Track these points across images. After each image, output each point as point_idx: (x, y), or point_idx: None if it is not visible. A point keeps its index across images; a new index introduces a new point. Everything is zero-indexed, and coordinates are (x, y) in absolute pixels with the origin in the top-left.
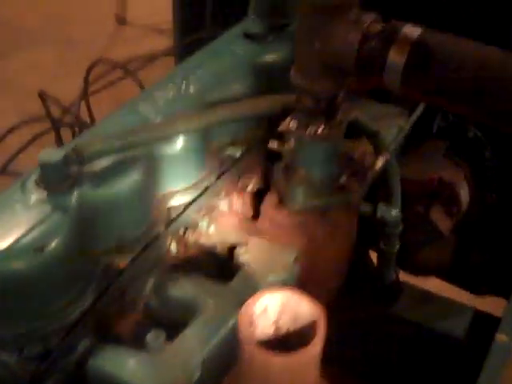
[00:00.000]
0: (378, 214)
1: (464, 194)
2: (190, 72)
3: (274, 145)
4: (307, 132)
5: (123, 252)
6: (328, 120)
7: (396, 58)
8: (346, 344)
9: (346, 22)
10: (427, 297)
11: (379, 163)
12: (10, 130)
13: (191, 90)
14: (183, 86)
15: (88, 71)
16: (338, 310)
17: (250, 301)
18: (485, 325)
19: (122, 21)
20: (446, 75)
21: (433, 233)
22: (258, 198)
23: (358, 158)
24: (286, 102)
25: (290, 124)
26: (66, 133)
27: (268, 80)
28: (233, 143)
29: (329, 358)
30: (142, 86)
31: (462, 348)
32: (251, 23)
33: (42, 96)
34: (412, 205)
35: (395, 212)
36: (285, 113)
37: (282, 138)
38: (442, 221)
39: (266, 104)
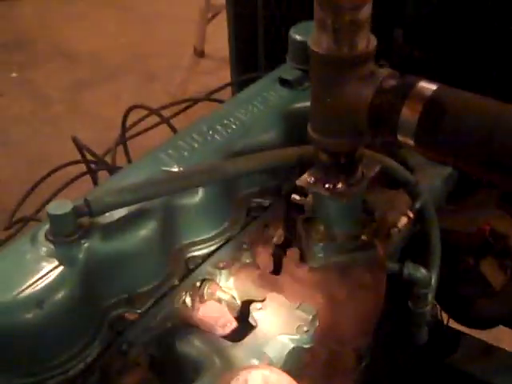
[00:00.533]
0: (405, 273)
1: None
2: (218, 121)
3: (296, 197)
4: (324, 188)
5: (133, 305)
6: (347, 176)
7: (409, 115)
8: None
9: (359, 76)
10: (489, 349)
11: (404, 220)
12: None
13: (217, 139)
14: (209, 137)
15: (125, 115)
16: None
17: (228, 376)
18: None
19: (200, 54)
20: (460, 136)
21: (485, 287)
22: (281, 251)
23: (380, 215)
24: (301, 154)
25: (308, 179)
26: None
27: (300, 128)
28: (261, 193)
29: None
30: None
31: None
32: (288, 69)
33: (76, 141)
34: (462, 257)
35: (424, 271)
36: (301, 165)
37: (304, 190)
38: (494, 274)
39: (281, 156)
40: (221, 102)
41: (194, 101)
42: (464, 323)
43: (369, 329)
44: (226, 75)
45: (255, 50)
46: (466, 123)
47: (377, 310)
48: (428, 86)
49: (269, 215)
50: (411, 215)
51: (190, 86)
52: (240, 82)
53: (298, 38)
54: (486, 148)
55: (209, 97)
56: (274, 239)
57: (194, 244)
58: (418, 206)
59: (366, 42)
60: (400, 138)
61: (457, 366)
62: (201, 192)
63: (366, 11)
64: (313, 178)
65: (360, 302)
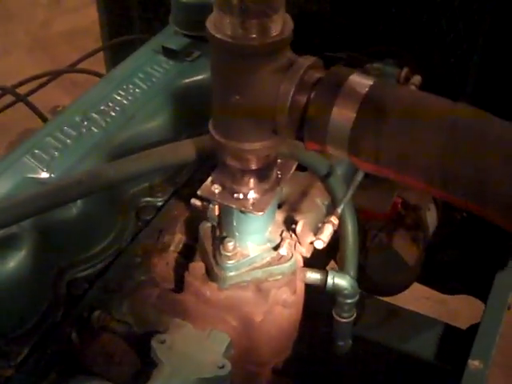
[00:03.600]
0: (329, 283)
1: (431, 216)
2: (93, 106)
3: (196, 203)
4: (233, 199)
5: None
6: (260, 182)
7: (341, 117)
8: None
9: (274, 68)
10: (393, 312)
11: (329, 230)
12: None
13: (94, 132)
14: (83, 129)
15: None
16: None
17: None
18: (456, 342)
19: None
20: (406, 145)
21: (397, 263)
22: (182, 261)
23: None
24: (200, 148)
25: (212, 187)
26: None
27: (191, 106)
28: (151, 190)
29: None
30: (39, 113)
31: (431, 370)
32: (171, 35)
33: None
34: (374, 233)
35: (350, 279)
36: (203, 159)
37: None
38: (406, 249)
39: (174, 153)
40: (91, 73)
41: (56, 74)
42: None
43: (287, 346)
44: (93, 13)
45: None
46: (414, 129)
47: (295, 325)
48: (363, 81)
49: (163, 218)
50: (336, 222)
51: (54, 25)
52: (112, 46)
53: None
54: (440, 161)
55: (73, 68)
56: (172, 247)
57: (76, 264)
58: (339, 210)
59: (281, 25)
60: (330, 145)
61: (361, 334)
62: (79, 202)
63: None
64: (218, 187)
65: (277, 319)
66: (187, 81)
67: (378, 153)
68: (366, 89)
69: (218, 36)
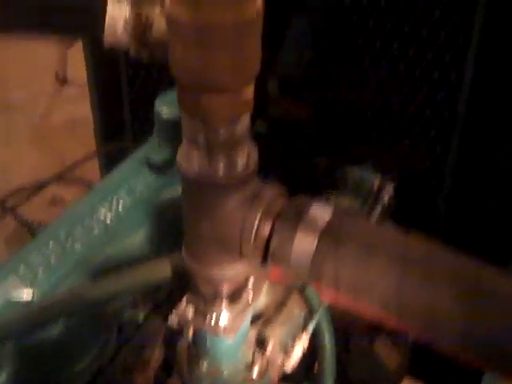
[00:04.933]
0: None
1: None
2: (78, 221)
3: (173, 322)
4: (205, 322)
5: None
6: (232, 305)
7: (302, 246)
8: None
9: (240, 200)
10: None
11: (299, 350)
12: None
13: (77, 249)
14: (67, 245)
15: None
16: None
17: None
18: None
19: (63, 80)
20: (363, 271)
21: (379, 367)
22: (162, 379)
23: (274, 345)
24: (176, 265)
25: (186, 310)
26: None
27: (174, 218)
28: (134, 303)
29: None
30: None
31: None
32: (155, 147)
33: None
34: (355, 339)
35: None
36: (181, 275)
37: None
38: (388, 353)
39: (152, 271)
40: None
41: (41, 185)
42: None
43: None
44: None
45: (121, 117)
46: (369, 260)
47: None
48: (322, 211)
49: (144, 333)
50: (306, 341)
51: (55, 116)
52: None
53: (163, 112)
54: (394, 292)
55: (62, 175)
56: (152, 363)
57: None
58: (312, 326)
59: (247, 158)
60: (293, 273)
61: None
62: (61, 320)
63: (245, 123)
64: (191, 309)
65: None
66: (169, 193)
67: (338, 281)
68: (326, 219)
69: (186, 168)
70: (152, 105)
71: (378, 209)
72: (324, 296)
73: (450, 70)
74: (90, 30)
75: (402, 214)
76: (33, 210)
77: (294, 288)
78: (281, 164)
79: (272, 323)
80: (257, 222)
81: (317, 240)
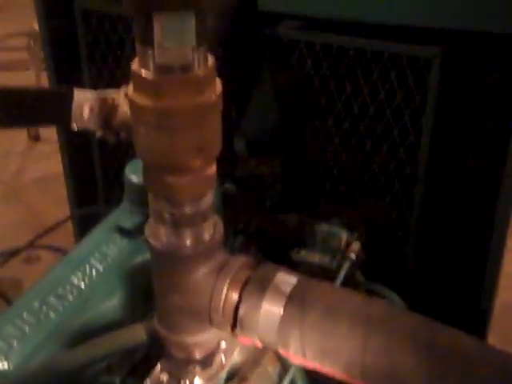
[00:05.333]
0: None
1: None
2: (52, 290)
3: None
4: None
5: None
6: (204, 369)
7: (269, 314)
8: None
9: (207, 270)
10: None
11: None
12: None
13: (51, 318)
14: (42, 315)
15: None
16: None
17: None
18: None
19: (35, 138)
20: (328, 336)
21: None
22: None
23: None
24: (151, 330)
25: (161, 376)
26: None
27: (146, 282)
28: (108, 367)
29: None
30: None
31: None
32: (126, 213)
33: None
34: None
35: None
36: (156, 340)
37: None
38: None
39: (127, 337)
40: (52, 248)
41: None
42: None
43: None
44: None
45: (93, 180)
46: (333, 325)
47: None
48: (287, 279)
49: None
50: None
51: (27, 174)
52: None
53: (133, 178)
54: (357, 356)
55: (34, 242)
56: None
57: None
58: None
59: (213, 229)
60: (261, 340)
61: None
62: None
63: (210, 198)
64: (166, 375)
65: None
66: (141, 258)
67: (304, 347)
68: (291, 287)
69: (154, 242)
70: (122, 169)
71: (347, 264)
72: (293, 360)
73: (408, 129)
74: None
75: (370, 266)
76: (7, 270)
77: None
78: (249, 222)
79: (246, 381)
80: (225, 291)
81: (282, 308)
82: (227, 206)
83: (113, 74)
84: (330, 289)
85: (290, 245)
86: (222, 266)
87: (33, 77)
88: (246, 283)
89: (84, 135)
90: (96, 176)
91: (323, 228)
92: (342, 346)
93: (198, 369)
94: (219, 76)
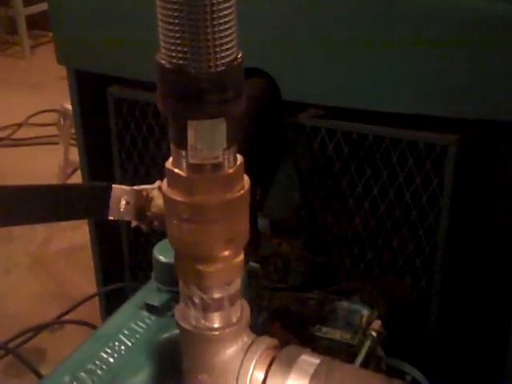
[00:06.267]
0: None
1: None
2: (81, 366)
3: None
4: None
5: None
6: None
7: None
8: None
9: (234, 350)
10: None
11: None
12: None
13: None
14: None
15: None
16: None
17: None
18: None
19: None
20: None
21: None
22: None
23: None
24: None
25: None
26: None
27: (173, 359)
28: None
29: None
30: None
31: None
32: (153, 291)
33: None
34: None
35: None
36: None
37: None
38: None
39: None
40: (81, 323)
41: (39, 328)
42: None
43: None
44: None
45: (120, 257)
46: None
47: None
48: (310, 360)
49: None
50: None
51: (53, 244)
52: (105, 293)
53: (161, 258)
54: None
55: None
56: None
57: None
58: None
59: (240, 312)
60: None
61: None
62: None
63: (237, 283)
64: None
65: None
66: (168, 335)
67: None
68: (315, 366)
69: (184, 325)
70: (149, 244)
71: (368, 341)
72: None
73: (426, 210)
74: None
75: (392, 343)
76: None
77: None
78: (273, 300)
79: None
80: (251, 371)
81: None
82: (251, 284)
83: (142, 157)
84: (352, 369)
85: (312, 322)
86: (248, 346)
87: (61, 151)
88: (271, 363)
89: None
90: (123, 251)
91: (344, 305)
92: None
93: None
94: (245, 158)
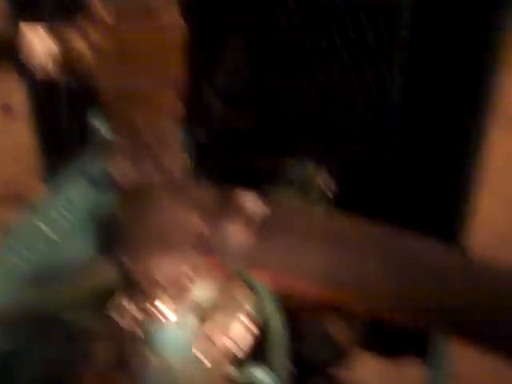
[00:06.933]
0: (252, 379)
1: None
2: (20, 241)
3: (118, 319)
4: (149, 317)
5: None
6: (173, 298)
7: (238, 238)
8: None
9: (174, 200)
10: None
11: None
12: None
13: (22, 267)
14: (13, 264)
15: None
16: None
17: None
18: None
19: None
20: (297, 257)
21: (332, 346)
22: None
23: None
24: (120, 267)
25: (130, 308)
26: None
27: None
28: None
29: None
30: None
31: None
32: (91, 160)
33: None
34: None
35: (272, 374)
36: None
37: None
38: (340, 332)
39: (99, 276)
40: None
41: None
42: None
43: None
44: None
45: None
46: (300, 246)
47: None
48: (256, 205)
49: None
50: (251, 325)
51: None
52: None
53: (97, 125)
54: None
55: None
56: (101, 361)
57: None
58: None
59: (179, 162)
60: (233, 263)
61: None
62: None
63: (170, 127)
64: (135, 306)
65: None
66: (106, 201)
67: (274, 266)
68: (260, 211)
69: (119, 177)
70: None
71: (320, 200)
72: (263, 281)
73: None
74: None
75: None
76: None
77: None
78: (222, 170)
79: (216, 311)
80: (194, 219)
81: (252, 230)
82: (200, 156)
83: None
84: (298, 210)
85: (263, 185)
86: (189, 196)
87: None
88: (214, 210)
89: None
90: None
91: (295, 168)
92: (311, 261)
93: (167, 298)
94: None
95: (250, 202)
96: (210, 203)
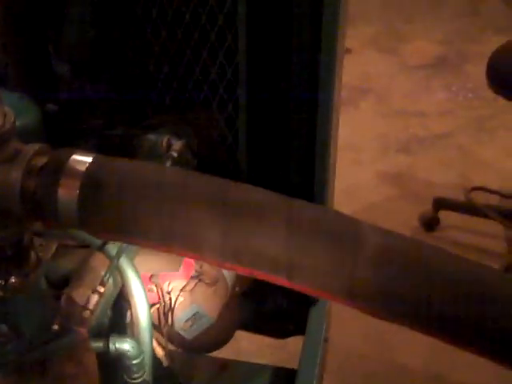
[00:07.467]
0: (112, 348)
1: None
2: None
3: None
4: None
5: None
6: (19, 267)
7: (67, 196)
8: None
9: (1, 159)
10: (224, 366)
11: (94, 299)
12: None
13: None
14: None
15: None
16: None
17: None
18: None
19: None
20: (127, 210)
21: (203, 319)
22: None
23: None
24: None
25: None
26: None
27: None
28: None
29: None
30: None
31: None
32: None
33: None
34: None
35: (131, 342)
36: None
37: None
38: (209, 304)
39: None
40: None
41: None
42: None
43: None
44: None
45: None
46: (127, 197)
47: None
48: (82, 159)
49: None
50: (102, 290)
51: None
52: None
53: None
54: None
55: None
56: None
57: None
58: (106, 277)
59: (2, 118)
60: (64, 224)
61: None
62: None
63: None
64: None
65: None
66: None
67: (102, 225)
68: (86, 166)
69: None
70: None
71: (168, 163)
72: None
73: (225, 32)
74: None
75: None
76: None
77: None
78: (74, 142)
79: (72, 281)
80: (20, 179)
81: (79, 188)
82: (52, 129)
83: None
84: (127, 163)
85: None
86: (16, 153)
87: None
88: (41, 169)
89: None
90: None
91: (150, 137)
92: (145, 213)
93: (12, 266)
94: None
95: (76, 156)
96: (37, 160)
